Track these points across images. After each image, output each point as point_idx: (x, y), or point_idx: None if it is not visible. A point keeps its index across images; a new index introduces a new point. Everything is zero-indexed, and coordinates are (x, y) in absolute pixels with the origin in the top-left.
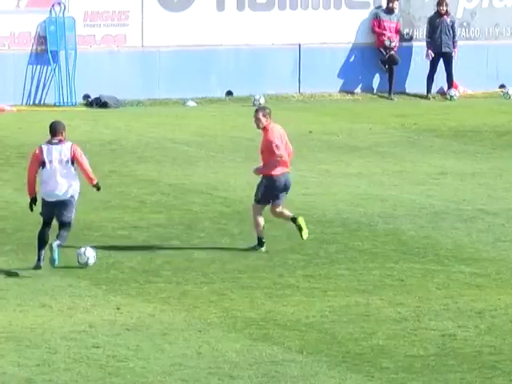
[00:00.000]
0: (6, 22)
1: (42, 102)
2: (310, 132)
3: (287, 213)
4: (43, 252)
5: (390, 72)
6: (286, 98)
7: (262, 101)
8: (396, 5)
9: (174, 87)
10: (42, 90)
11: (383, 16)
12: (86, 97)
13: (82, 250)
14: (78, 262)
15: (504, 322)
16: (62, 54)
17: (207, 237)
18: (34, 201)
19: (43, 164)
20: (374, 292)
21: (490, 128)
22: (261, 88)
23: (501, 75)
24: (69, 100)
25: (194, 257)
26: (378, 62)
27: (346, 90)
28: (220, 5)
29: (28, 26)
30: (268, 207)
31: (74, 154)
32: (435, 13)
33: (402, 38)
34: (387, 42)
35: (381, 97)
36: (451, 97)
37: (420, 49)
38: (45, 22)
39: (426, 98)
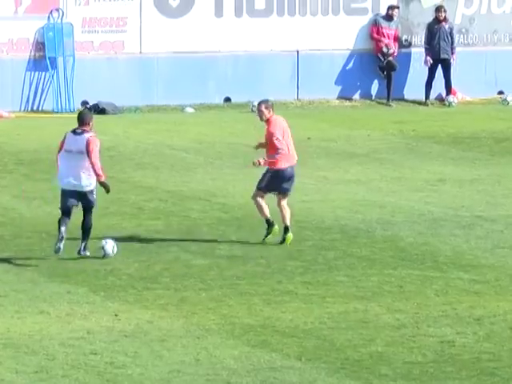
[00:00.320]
0: (4, 28)
1: (40, 109)
2: (309, 138)
3: (287, 215)
4: (63, 229)
5: (389, 78)
6: (284, 104)
7: None
8: (396, 12)
9: (172, 93)
10: (40, 96)
11: (382, 23)
12: (84, 103)
13: (104, 242)
14: (104, 252)
15: (503, 328)
16: (60, 60)
17: (205, 243)
18: None
19: (62, 152)
20: (373, 298)
21: (489, 134)
22: (259, 94)
23: (499, 81)
24: (67, 106)
25: (192, 263)
26: (376, 68)
27: (345, 96)
28: (218, 11)
29: (26, 32)
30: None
31: (88, 145)
32: (434, 19)
33: (401, 45)
34: (385, 49)
35: (379, 103)
36: (449, 103)
37: (418, 55)
38: (43, 28)
39: (424, 104)
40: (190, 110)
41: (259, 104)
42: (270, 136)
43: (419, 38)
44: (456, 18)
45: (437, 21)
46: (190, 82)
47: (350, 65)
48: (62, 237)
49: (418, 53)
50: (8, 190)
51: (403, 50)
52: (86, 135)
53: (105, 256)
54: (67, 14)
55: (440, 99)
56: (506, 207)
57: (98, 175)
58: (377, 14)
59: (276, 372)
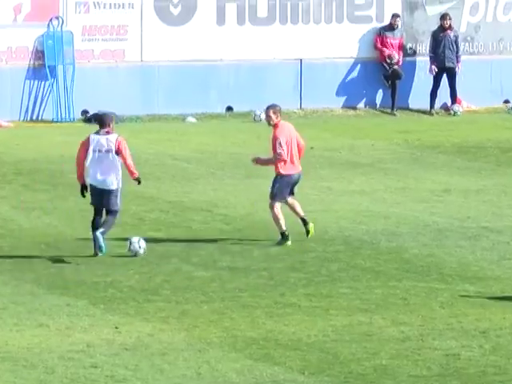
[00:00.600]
0: (3, 36)
1: (39, 118)
2: (312, 148)
3: (297, 208)
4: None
5: (393, 87)
6: (287, 113)
7: (263, 116)
8: (398, 21)
9: (173, 103)
10: (40, 105)
11: (386, 32)
12: (85, 112)
13: (136, 238)
14: (129, 249)
15: (509, 341)
16: (59, 68)
17: (207, 255)
18: (84, 188)
19: (89, 153)
20: (377, 311)
21: (495, 144)
22: (262, 103)
23: (505, 90)
24: (67, 116)
25: (193, 275)
26: (380, 76)
27: (349, 105)
28: (220, 19)
29: (25, 41)
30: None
31: (119, 147)
32: (439, 27)
33: (406, 53)
34: (388, 60)
35: (383, 112)
36: (455, 112)
37: (423, 64)
38: (42, 36)
39: (429, 113)
40: (191, 119)
41: (267, 109)
42: (274, 140)
43: (424, 47)
44: (461, 25)
45: (442, 29)
46: (191, 91)
47: (354, 73)
48: (100, 242)
49: (423, 61)
50: (7, 200)
51: (408, 59)
52: (114, 135)
53: (137, 254)
54: (67, 22)
55: (445, 108)
56: None
57: (132, 173)
58: (381, 26)
59: None
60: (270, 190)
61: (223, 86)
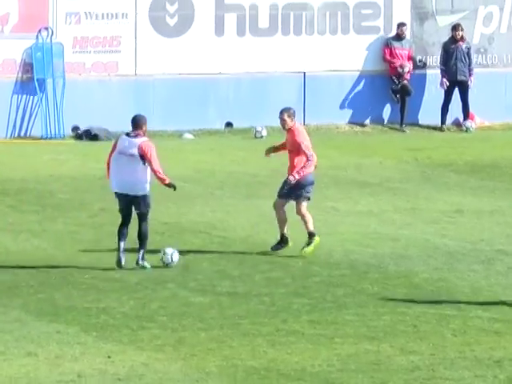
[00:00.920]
0: None
1: (27, 134)
2: (315, 167)
3: (309, 223)
4: (122, 244)
5: (402, 102)
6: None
7: (265, 133)
8: (404, 30)
9: (169, 118)
10: (28, 121)
11: (394, 43)
12: (75, 129)
13: (170, 250)
14: (162, 260)
15: None
16: (49, 82)
17: (205, 279)
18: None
19: (114, 155)
20: (385, 339)
21: (510, 163)
22: (263, 119)
23: None
24: (56, 132)
25: (190, 301)
26: (389, 91)
27: (355, 121)
28: (219, 30)
29: (13, 53)
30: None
31: (142, 151)
32: (450, 38)
33: (415, 66)
34: (400, 70)
35: (392, 129)
36: (467, 128)
37: (434, 77)
38: (31, 48)
39: (440, 129)
40: (188, 136)
41: (281, 112)
42: (297, 145)
43: (434, 59)
44: (474, 37)
45: (453, 40)
46: (188, 106)
47: (361, 87)
48: (123, 249)
49: (434, 74)
50: None
51: (417, 72)
52: (139, 140)
53: (168, 265)
54: (57, 33)
55: (457, 124)
56: None
57: (161, 180)
58: (388, 35)
59: None
60: (279, 188)
61: (222, 100)
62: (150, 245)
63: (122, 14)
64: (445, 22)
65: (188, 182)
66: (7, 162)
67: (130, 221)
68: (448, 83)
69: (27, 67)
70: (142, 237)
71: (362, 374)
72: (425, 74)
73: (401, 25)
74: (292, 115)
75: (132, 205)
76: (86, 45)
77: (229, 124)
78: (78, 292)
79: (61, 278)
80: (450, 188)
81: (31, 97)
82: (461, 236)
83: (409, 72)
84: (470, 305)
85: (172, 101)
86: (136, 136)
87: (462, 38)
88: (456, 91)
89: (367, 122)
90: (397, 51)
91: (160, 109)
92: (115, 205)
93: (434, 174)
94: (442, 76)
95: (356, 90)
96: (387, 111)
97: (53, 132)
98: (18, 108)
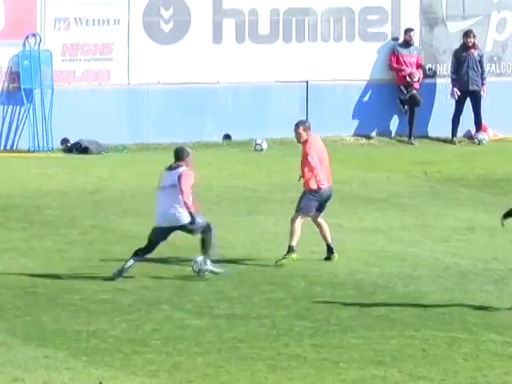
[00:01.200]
0: None
1: (14, 147)
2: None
3: (327, 233)
4: (134, 262)
5: (411, 113)
6: (291, 142)
7: (265, 146)
8: (412, 36)
9: (164, 131)
10: (15, 133)
11: (401, 50)
12: (65, 141)
13: (200, 258)
14: (192, 268)
15: None
16: (37, 92)
17: (201, 301)
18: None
19: (157, 190)
20: (393, 364)
21: None
22: (263, 131)
23: None
24: (45, 145)
25: (186, 324)
26: (396, 101)
27: (361, 133)
28: (217, 36)
29: None
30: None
31: (179, 177)
32: (461, 45)
33: (425, 74)
34: (408, 79)
35: (400, 141)
36: (480, 141)
37: (444, 86)
38: (18, 55)
39: (450, 142)
40: None
41: (297, 125)
42: (305, 156)
43: (445, 67)
44: (487, 44)
45: (465, 47)
46: (184, 118)
47: (367, 97)
48: (132, 266)
49: (444, 84)
50: None
51: (427, 81)
52: (180, 169)
53: (199, 272)
54: (45, 40)
55: (469, 137)
56: None
57: (185, 203)
58: (394, 40)
59: None
60: (296, 203)
61: (220, 111)
62: (144, 265)
63: (114, 19)
64: (456, 28)
65: None
66: None
67: (151, 251)
68: (459, 93)
69: (13, 76)
70: (205, 245)
71: None
72: (435, 84)
73: (408, 30)
74: (307, 128)
75: (168, 235)
76: (76, 52)
77: (227, 136)
78: (67, 314)
79: (49, 299)
80: (460, 204)
81: (18, 107)
82: (472, 255)
83: (418, 81)
84: (482, 328)
85: (167, 112)
86: (177, 167)
87: (474, 45)
88: (468, 102)
89: (373, 134)
90: (404, 58)
91: (154, 120)
92: (107, 221)
93: (444, 189)
94: (453, 85)
95: (362, 100)
96: (395, 123)
97: (41, 144)
98: (3, 119)
